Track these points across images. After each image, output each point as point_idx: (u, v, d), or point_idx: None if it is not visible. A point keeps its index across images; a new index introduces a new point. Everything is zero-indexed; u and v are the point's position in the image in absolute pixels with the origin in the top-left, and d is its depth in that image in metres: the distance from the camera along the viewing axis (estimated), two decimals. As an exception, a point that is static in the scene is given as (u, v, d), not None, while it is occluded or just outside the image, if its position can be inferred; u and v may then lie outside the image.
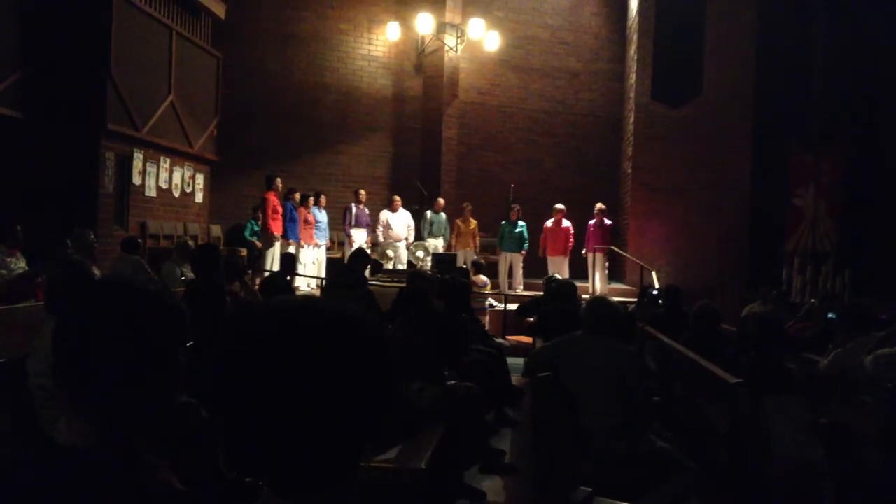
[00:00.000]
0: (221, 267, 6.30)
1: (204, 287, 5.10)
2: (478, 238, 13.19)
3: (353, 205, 12.78)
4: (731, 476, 3.99)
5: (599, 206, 13.02)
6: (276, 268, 11.40)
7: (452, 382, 4.98)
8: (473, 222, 13.09)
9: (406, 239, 12.85)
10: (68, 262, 5.95)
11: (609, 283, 13.21)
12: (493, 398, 6.13)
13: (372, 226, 13.00)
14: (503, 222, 12.87)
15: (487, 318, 11.02)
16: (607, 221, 13.00)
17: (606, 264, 13.12)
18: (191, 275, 8.90)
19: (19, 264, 7.24)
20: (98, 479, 1.19)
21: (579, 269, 13.01)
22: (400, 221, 12.83)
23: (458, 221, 13.13)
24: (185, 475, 1.42)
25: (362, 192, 13.00)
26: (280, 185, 11.79)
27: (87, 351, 1.23)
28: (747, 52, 13.02)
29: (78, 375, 1.24)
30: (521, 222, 12.78)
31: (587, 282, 12.73)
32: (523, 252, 12.82)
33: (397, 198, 13.10)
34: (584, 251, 12.94)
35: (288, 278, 8.28)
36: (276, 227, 11.50)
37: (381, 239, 12.66)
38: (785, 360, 5.00)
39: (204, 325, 3.66)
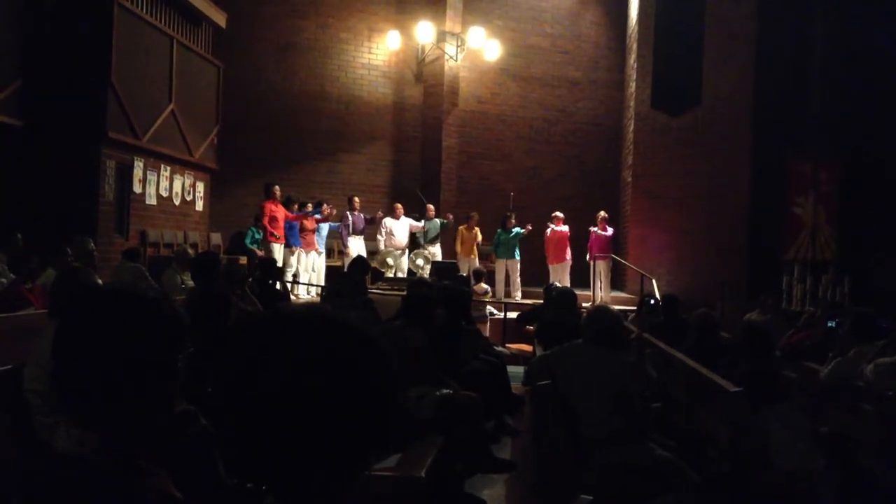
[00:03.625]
0: (222, 275, 6.30)
1: (206, 295, 5.09)
2: (479, 247, 13.17)
3: (348, 213, 12.77)
4: (732, 485, 3.98)
5: (601, 214, 13.02)
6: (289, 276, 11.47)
7: (450, 391, 4.96)
8: (477, 230, 13.06)
9: (410, 247, 12.86)
10: (69, 268, 5.99)
11: (610, 292, 13.20)
12: (494, 407, 6.11)
13: (370, 232, 12.99)
14: (499, 230, 12.89)
15: (488, 326, 11.00)
16: (609, 229, 13.00)
17: (609, 273, 13.11)
18: (191, 283, 8.91)
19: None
20: (96, 487, 1.19)
21: (581, 277, 13.01)
22: (402, 229, 12.83)
23: (462, 228, 13.11)
24: (184, 483, 1.41)
25: (356, 199, 12.98)
26: (278, 194, 11.79)
27: (86, 357, 1.23)
28: (746, 62, 13.06)
29: (77, 381, 1.24)
30: (514, 229, 12.80)
31: (588, 289, 12.73)
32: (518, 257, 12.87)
33: (399, 205, 13.08)
34: (587, 257, 12.94)
35: (271, 283, 8.25)
36: (277, 235, 11.51)
37: (382, 246, 12.63)
38: (782, 369, 4.99)
39: (206, 334, 3.65)
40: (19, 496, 1.19)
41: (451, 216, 13.20)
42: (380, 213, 12.83)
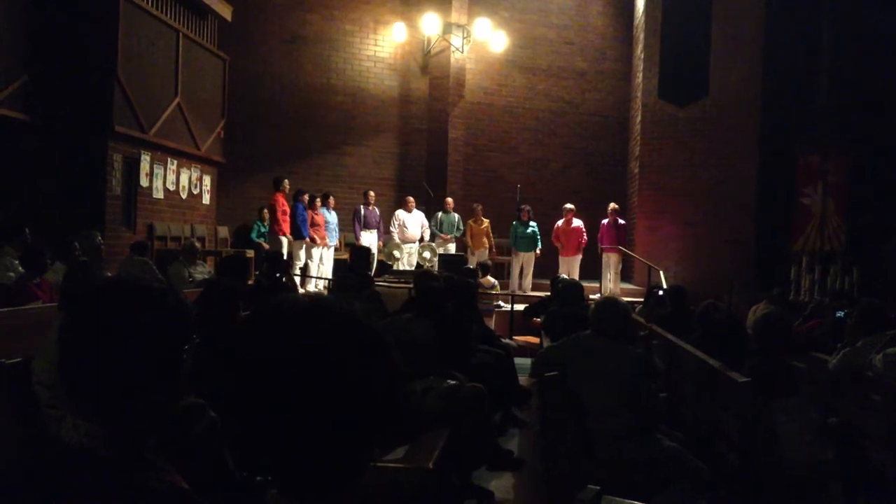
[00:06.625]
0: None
1: (214, 287, 5.11)
2: (491, 238, 13.19)
3: (361, 206, 12.77)
4: (741, 477, 3.97)
5: (613, 206, 12.96)
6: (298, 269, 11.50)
7: (457, 383, 4.96)
8: (485, 222, 13.08)
9: (421, 239, 12.84)
10: (79, 263, 6.03)
11: (620, 284, 13.16)
12: (501, 399, 6.11)
13: (383, 227, 12.99)
14: (514, 223, 12.86)
15: (494, 319, 10.99)
16: (620, 221, 12.95)
17: (620, 265, 13.07)
18: (198, 276, 8.95)
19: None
20: (105, 479, 1.19)
21: (590, 269, 12.98)
22: (414, 222, 12.82)
23: (471, 222, 13.13)
24: (193, 475, 1.41)
25: (371, 193, 12.98)
26: (287, 187, 11.80)
27: (90, 349, 1.23)
28: (754, 52, 13.00)
29: (82, 374, 1.24)
30: (532, 223, 12.76)
31: (597, 281, 12.70)
32: (537, 252, 12.80)
33: (411, 198, 13.08)
34: (599, 250, 12.88)
35: (278, 275, 8.27)
36: (285, 229, 11.51)
37: (396, 239, 12.63)
38: (793, 360, 4.97)
39: (214, 326, 3.66)
40: (28, 488, 1.19)
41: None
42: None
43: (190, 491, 1.30)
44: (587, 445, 4.02)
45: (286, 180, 11.85)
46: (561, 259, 12.77)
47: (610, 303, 4.57)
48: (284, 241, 11.51)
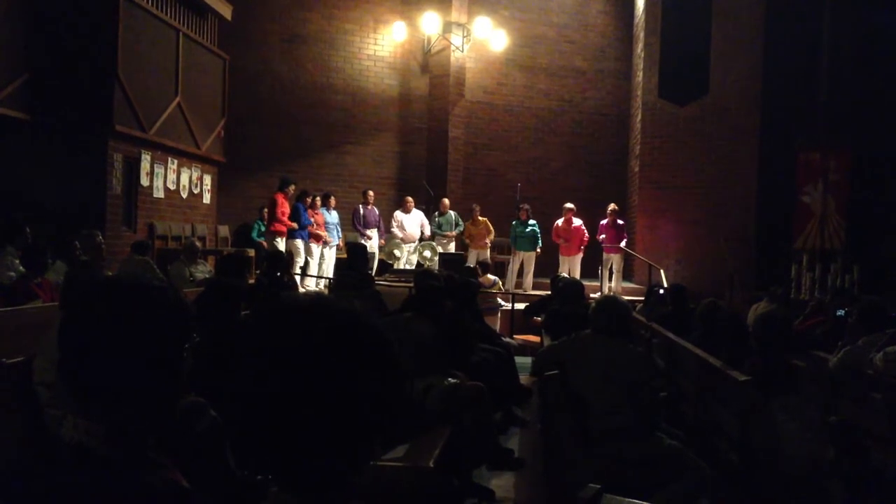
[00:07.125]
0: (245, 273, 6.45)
1: (216, 286, 5.11)
2: (491, 236, 13.17)
3: (360, 206, 12.77)
4: (741, 475, 3.97)
5: (612, 206, 12.96)
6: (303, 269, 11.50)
7: (458, 382, 4.96)
8: (482, 221, 13.08)
9: (421, 237, 12.84)
10: (80, 263, 6.03)
11: (621, 282, 13.15)
12: (501, 398, 6.11)
13: (383, 226, 12.98)
14: (514, 222, 12.86)
15: (499, 318, 10.97)
16: (620, 221, 12.94)
17: (622, 264, 13.05)
18: (199, 275, 8.95)
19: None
20: (105, 478, 1.19)
21: (591, 268, 12.97)
22: (413, 222, 12.83)
23: (468, 224, 13.13)
24: (194, 474, 1.41)
25: (370, 192, 12.97)
26: (292, 191, 11.70)
27: (91, 347, 1.23)
28: (754, 50, 13.00)
29: (82, 372, 1.24)
30: (531, 221, 12.76)
31: (597, 280, 12.70)
32: (537, 251, 12.80)
33: (410, 199, 13.08)
34: (601, 238, 12.84)
35: (279, 274, 8.26)
36: (283, 228, 11.48)
37: (398, 239, 12.65)
38: (793, 358, 4.97)
39: (216, 324, 3.66)
40: (28, 488, 1.19)
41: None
42: None
43: (190, 489, 1.30)
44: (588, 444, 4.02)
45: (293, 185, 11.74)
46: (562, 258, 12.78)
47: (610, 301, 4.57)
48: (281, 240, 11.48)
